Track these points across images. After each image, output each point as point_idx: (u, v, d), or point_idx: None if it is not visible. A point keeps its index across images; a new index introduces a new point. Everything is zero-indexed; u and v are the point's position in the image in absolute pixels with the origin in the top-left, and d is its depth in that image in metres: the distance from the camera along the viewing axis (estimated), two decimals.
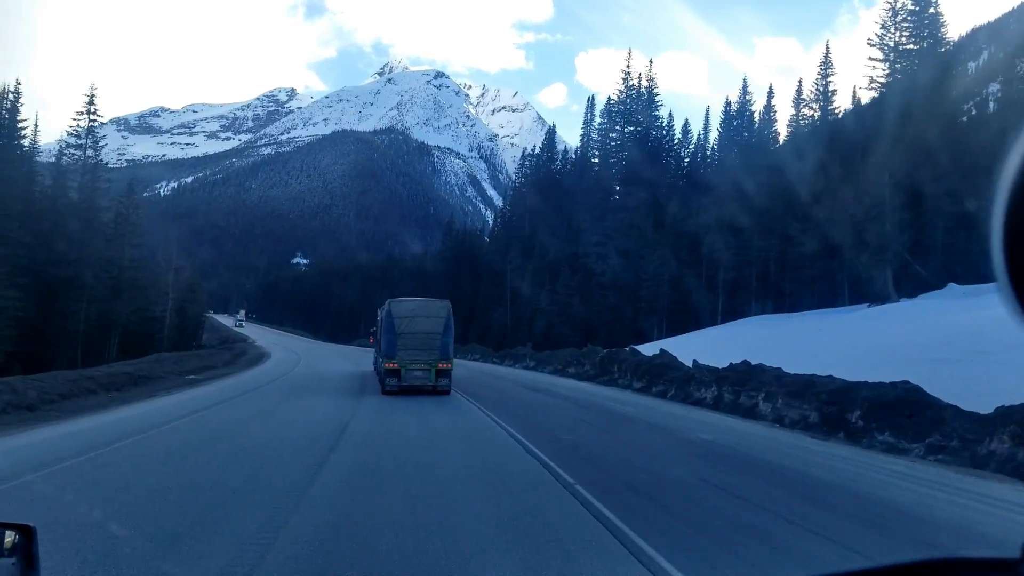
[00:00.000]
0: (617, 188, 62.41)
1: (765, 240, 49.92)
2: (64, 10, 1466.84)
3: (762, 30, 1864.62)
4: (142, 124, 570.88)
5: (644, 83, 66.31)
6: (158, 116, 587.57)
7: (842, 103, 60.85)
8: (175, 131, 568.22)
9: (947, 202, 38.26)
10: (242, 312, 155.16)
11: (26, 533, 1.93)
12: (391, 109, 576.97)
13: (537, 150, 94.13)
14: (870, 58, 47.69)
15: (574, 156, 75.78)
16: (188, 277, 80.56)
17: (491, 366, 47.43)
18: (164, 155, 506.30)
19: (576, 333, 56.09)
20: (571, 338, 56.34)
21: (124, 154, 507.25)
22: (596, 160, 70.01)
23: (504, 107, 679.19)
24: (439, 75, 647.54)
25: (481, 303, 77.19)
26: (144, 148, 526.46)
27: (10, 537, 1.92)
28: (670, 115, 66.47)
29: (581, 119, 76.19)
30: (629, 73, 65.08)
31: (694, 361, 26.43)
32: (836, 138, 48.50)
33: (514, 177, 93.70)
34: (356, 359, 48.07)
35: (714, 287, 51.30)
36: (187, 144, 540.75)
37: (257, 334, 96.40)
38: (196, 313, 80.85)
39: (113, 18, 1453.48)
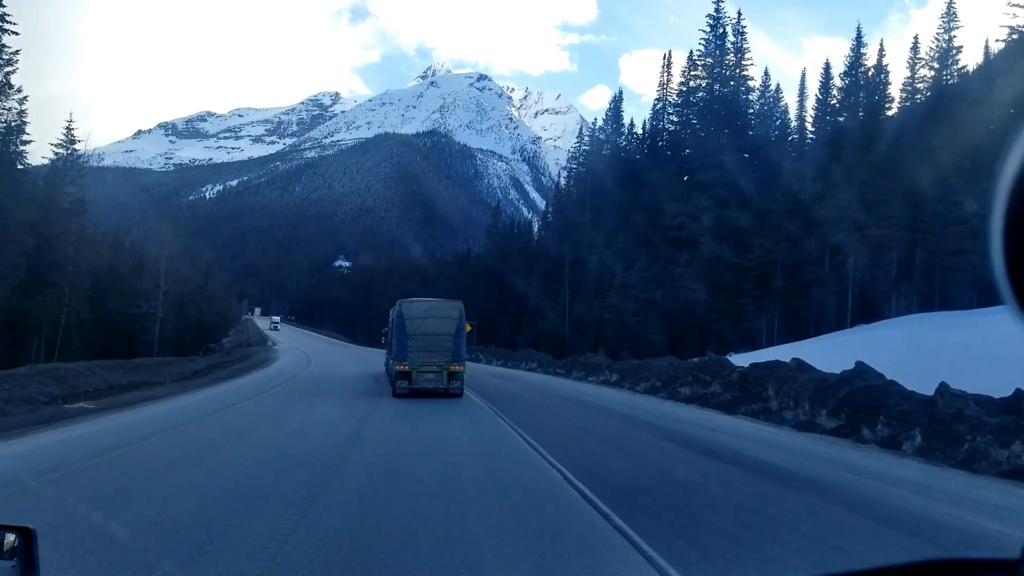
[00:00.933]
0: (704, 160, 50.44)
1: (912, 217, 37.77)
2: (112, 17, 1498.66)
3: (809, 31, 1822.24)
4: (189, 128, 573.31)
5: (731, 37, 54.58)
6: (205, 121, 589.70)
7: (968, 60, 49.25)
8: (221, 135, 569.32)
9: None
10: (277, 316, 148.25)
11: (26, 535, 1.90)
12: (434, 112, 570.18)
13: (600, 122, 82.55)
14: (1009, 3, 37.91)
15: (644, 131, 64.24)
16: (202, 270, 71.01)
17: (558, 381, 36.18)
18: (210, 159, 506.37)
19: (658, 336, 44.84)
20: (652, 342, 44.92)
21: (171, 158, 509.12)
22: (674, 127, 58.06)
23: (547, 110, 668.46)
24: (482, 78, 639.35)
25: (533, 303, 66.34)
26: (191, 152, 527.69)
27: (10, 539, 1.89)
28: (765, 75, 54.54)
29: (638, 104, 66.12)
30: (719, 18, 53.15)
31: (941, 387, 14.86)
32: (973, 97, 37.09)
33: (567, 160, 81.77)
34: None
35: (841, 279, 39.26)
36: (233, 148, 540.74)
37: (289, 337, 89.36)
38: (210, 312, 71.15)
39: (162, 25, 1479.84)
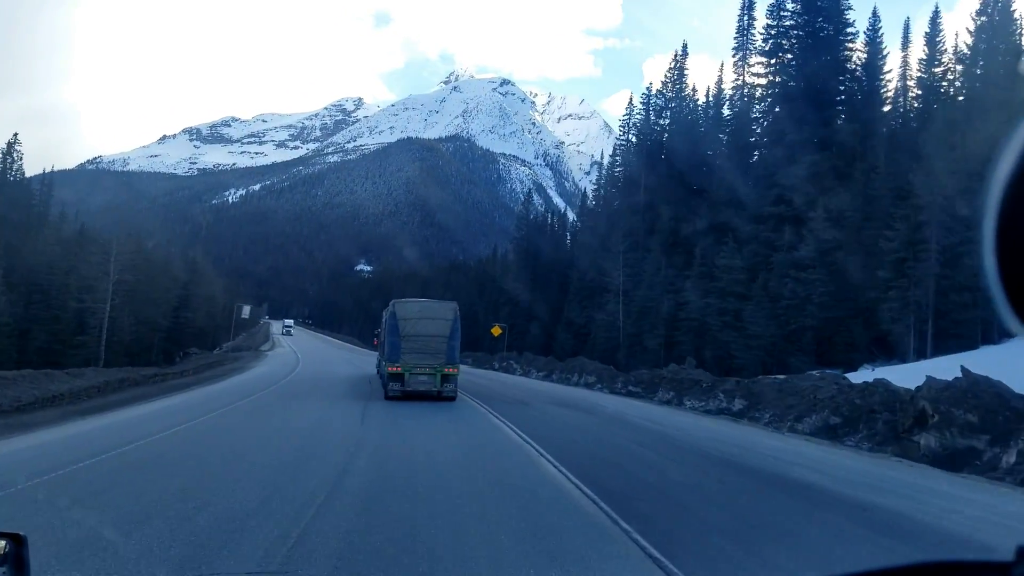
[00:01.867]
0: (803, 118, 38.74)
1: None
2: (139, 25, 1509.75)
3: None
4: (213, 134, 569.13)
5: None
6: (229, 126, 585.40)
7: None
8: (245, 140, 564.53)
9: None
10: (290, 320, 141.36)
11: (17, 541, 1.88)
12: (456, 117, 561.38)
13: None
14: None
15: (709, 98, 52.54)
16: (189, 265, 60.68)
17: (648, 409, 24.50)
18: (234, 164, 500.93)
19: (747, 345, 33.60)
20: (738, 353, 33.66)
21: (195, 163, 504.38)
22: (761, 87, 45.89)
23: (570, 115, 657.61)
24: (505, 82, 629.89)
25: (573, 305, 55.54)
26: (215, 157, 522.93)
27: (0, 545, 1.87)
28: (874, 15, 42.25)
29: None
30: None
31: None
32: None
33: (617, 136, 70.08)
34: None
35: None
36: (256, 153, 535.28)
37: (299, 341, 79.68)
38: (200, 312, 60.75)
39: (187, 32, 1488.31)
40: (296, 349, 59.03)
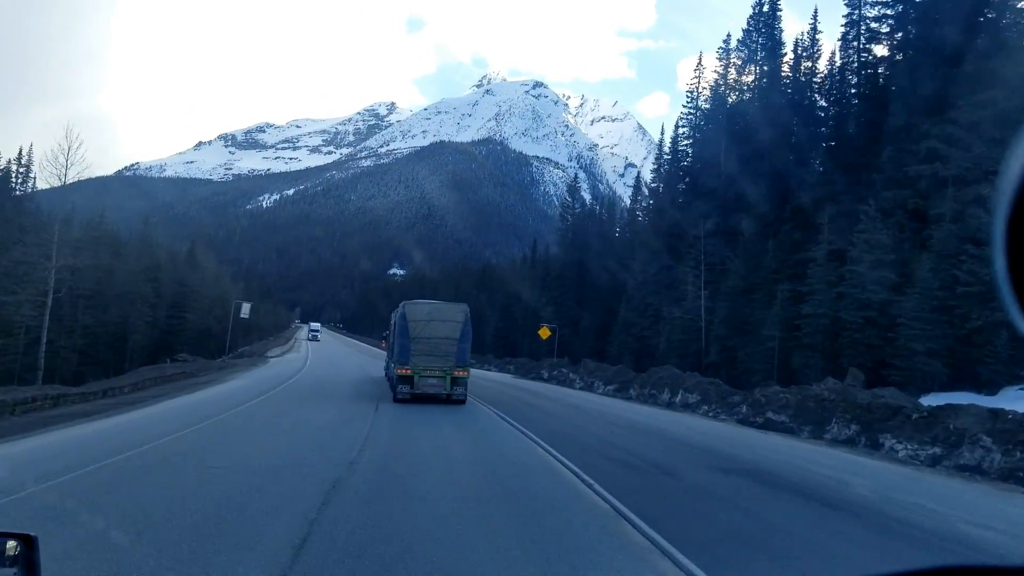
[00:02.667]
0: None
1: None
2: (174, 32, 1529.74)
3: None
4: (248, 139, 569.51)
5: None
6: (263, 132, 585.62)
7: None
8: (279, 146, 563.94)
9: None
10: (316, 324, 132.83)
11: (28, 542, 1.88)
12: (489, 120, 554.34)
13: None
14: None
15: (801, 51, 42.18)
16: (183, 258, 52.17)
17: (808, 449, 14.69)
18: (268, 169, 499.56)
19: (906, 350, 23.85)
20: (894, 360, 23.88)
21: (231, 168, 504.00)
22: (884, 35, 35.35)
23: (603, 117, 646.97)
24: (537, 85, 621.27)
25: (632, 303, 46.04)
26: (250, 163, 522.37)
27: (11, 546, 1.87)
28: None
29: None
30: None
31: None
32: None
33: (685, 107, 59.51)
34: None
35: None
36: (290, 158, 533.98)
37: (323, 347, 71.60)
38: (198, 311, 52.31)
39: (223, 39, 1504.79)
40: (309, 355, 51.45)
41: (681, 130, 52.71)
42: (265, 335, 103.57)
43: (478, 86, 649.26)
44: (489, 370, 55.55)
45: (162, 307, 55.84)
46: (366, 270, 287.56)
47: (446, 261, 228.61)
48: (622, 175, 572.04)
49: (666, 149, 56.29)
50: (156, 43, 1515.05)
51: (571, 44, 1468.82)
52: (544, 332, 46.00)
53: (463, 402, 21.87)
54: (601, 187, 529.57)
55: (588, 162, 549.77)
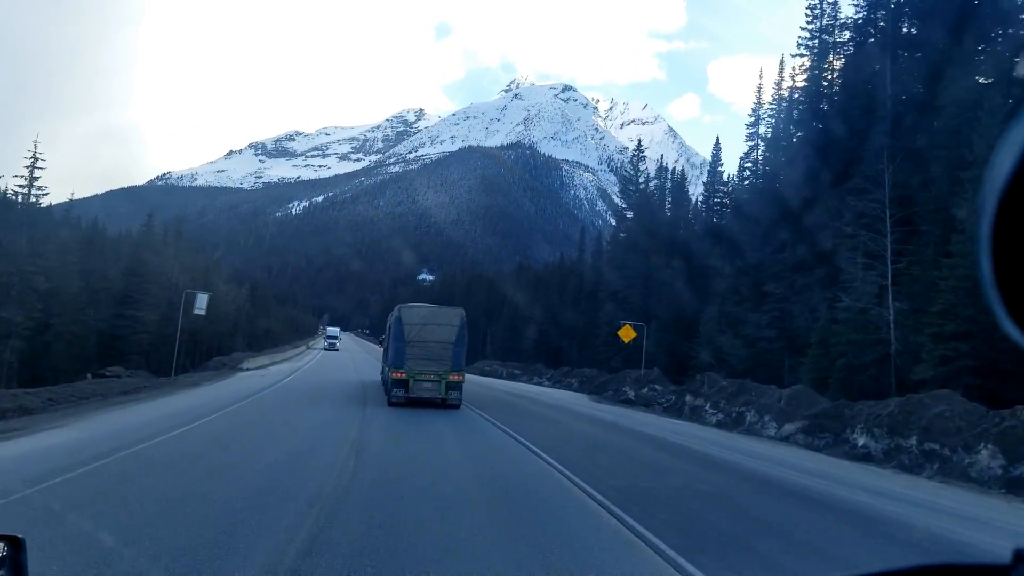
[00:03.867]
0: None
1: None
2: (204, 43, 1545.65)
3: None
4: (278, 148, 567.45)
5: None
6: (293, 140, 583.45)
7: None
8: (309, 154, 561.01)
9: None
10: (335, 328, 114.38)
11: (15, 544, 1.85)
12: (518, 124, 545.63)
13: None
14: None
15: None
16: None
17: None
18: (298, 177, 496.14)
19: None
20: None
21: (261, 177, 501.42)
22: None
23: (633, 120, 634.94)
24: (566, 88, 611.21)
25: (743, 292, 35.76)
26: (279, 171, 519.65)
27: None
28: None
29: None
30: None
31: None
32: None
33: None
34: None
35: None
36: (320, 166, 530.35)
37: (333, 356, 62.17)
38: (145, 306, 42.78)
39: (252, 48, 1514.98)
40: (305, 366, 43.13)
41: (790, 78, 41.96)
42: (281, 342, 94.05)
43: (506, 91, 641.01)
44: (542, 384, 45.93)
45: (105, 305, 46.34)
46: (395, 276, 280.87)
47: (476, 265, 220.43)
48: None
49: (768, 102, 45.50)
50: (186, 54, 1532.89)
51: (600, 47, 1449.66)
52: (627, 332, 35.24)
53: (457, 407, 21.83)
54: (632, 190, 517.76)
55: (619, 165, 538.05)
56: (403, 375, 21.43)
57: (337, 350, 77.94)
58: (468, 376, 23.36)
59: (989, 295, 0.89)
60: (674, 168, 67.18)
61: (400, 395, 21.46)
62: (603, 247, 68.96)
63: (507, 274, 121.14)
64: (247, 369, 33.85)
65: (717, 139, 53.22)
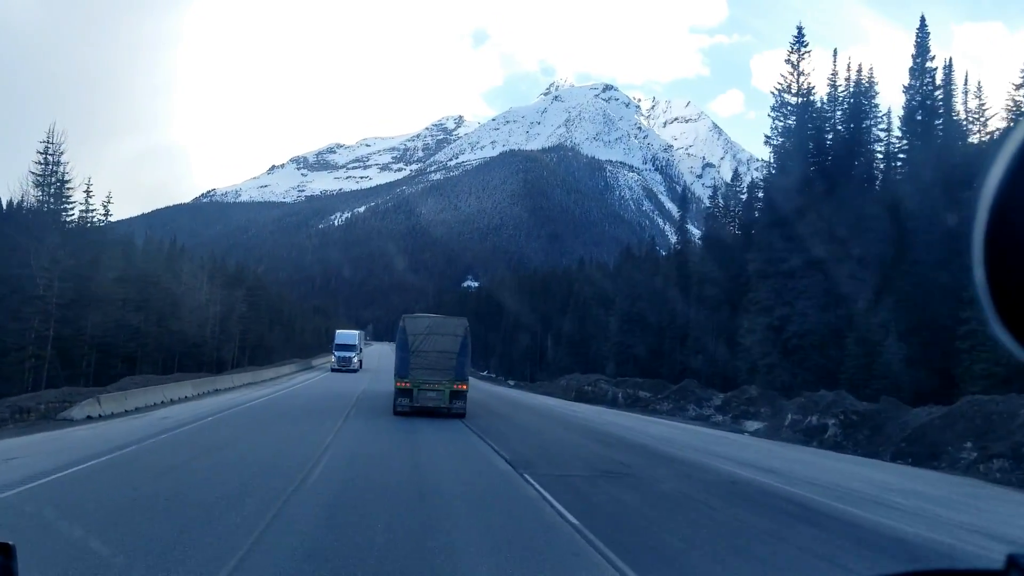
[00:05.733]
0: None
1: None
2: (244, 59, 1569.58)
3: (960, 16, 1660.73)
4: (319, 161, 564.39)
5: None
6: (334, 152, 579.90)
7: None
8: (350, 165, 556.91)
9: None
10: (353, 332, 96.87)
11: (5, 551, 1.80)
12: (559, 127, 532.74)
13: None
14: None
15: None
16: None
17: None
18: (340, 188, 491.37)
19: None
20: None
21: (303, 190, 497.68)
22: None
23: (676, 118, 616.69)
24: (607, 88, 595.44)
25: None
26: (321, 183, 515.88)
27: None
28: None
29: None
30: None
31: None
32: None
33: None
34: None
35: None
36: (361, 177, 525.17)
37: (363, 377, 49.82)
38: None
39: (289, 63, 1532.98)
40: (283, 390, 33.89)
41: None
42: (313, 352, 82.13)
43: (546, 93, 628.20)
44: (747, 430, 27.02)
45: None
46: (439, 284, 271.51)
47: (521, 271, 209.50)
48: (700, 176, 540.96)
49: None
50: (225, 72, 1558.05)
51: (640, 44, 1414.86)
52: None
53: (463, 415, 21.98)
54: (679, 189, 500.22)
55: (664, 164, 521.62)
56: (407, 385, 21.72)
57: (355, 370, 53.20)
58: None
59: (983, 303, 0.89)
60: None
61: (405, 404, 21.81)
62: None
63: (557, 275, 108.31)
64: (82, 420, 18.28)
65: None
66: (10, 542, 1.69)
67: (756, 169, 46.68)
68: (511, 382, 71.62)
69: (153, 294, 41.89)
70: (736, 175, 47.50)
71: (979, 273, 0.88)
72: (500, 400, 37.34)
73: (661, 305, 47.40)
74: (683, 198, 53.91)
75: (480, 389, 46.94)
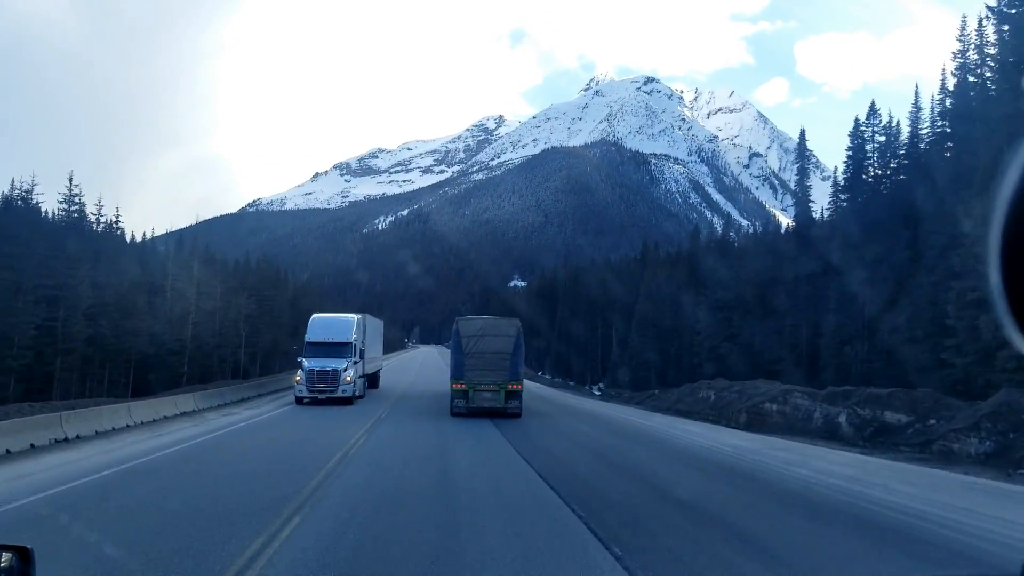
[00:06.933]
0: None
1: None
2: (284, 70, 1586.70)
3: None
4: (362, 166, 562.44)
5: None
6: (376, 157, 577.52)
7: None
8: (392, 170, 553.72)
9: None
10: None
11: (23, 555, 1.82)
12: (600, 121, 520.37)
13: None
14: None
15: None
16: None
17: None
18: (383, 193, 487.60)
19: None
20: None
21: (347, 196, 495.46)
22: None
23: (720, 109, 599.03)
24: (649, 80, 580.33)
25: None
26: (364, 189, 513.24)
27: (7, 559, 1.81)
28: None
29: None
30: None
31: None
32: None
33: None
34: None
35: None
36: (404, 181, 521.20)
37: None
38: None
39: (330, 69, 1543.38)
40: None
41: None
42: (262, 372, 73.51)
43: (586, 89, 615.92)
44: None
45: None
46: (485, 284, 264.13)
47: (569, 267, 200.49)
48: (747, 166, 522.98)
49: None
50: (267, 83, 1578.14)
51: (681, 35, 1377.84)
52: None
53: (518, 415, 21.96)
54: (727, 180, 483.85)
55: (709, 155, 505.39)
56: (463, 386, 21.93)
57: (349, 398, 27.67)
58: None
59: (997, 306, 0.86)
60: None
61: (461, 406, 21.96)
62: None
63: (619, 265, 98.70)
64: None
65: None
66: (28, 546, 1.64)
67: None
68: (596, 389, 58.30)
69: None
70: (873, 109, 36.94)
71: (995, 278, 0.86)
72: (623, 434, 22.82)
73: (777, 288, 37.50)
74: (801, 171, 43.09)
75: (555, 403, 36.38)
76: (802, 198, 42.24)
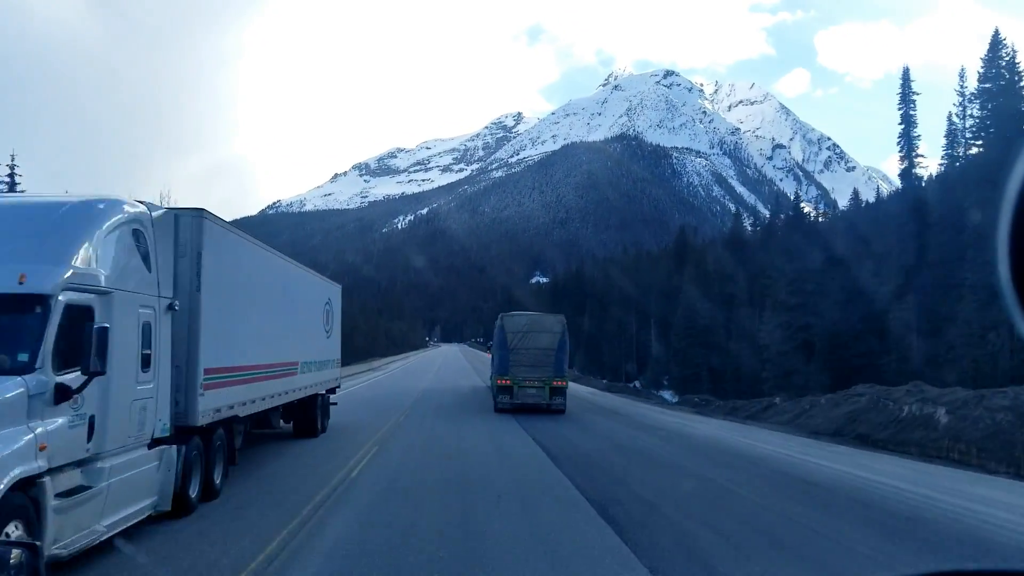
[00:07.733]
0: None
1: None
2: (303, 71, 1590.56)
3: None
4: (381, 166, 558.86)
5: None
6: (395, 157, 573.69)
7: None
8: (411, 169, 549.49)
9: None
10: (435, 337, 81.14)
11: (32, 551, 1.88)
12: (620, 116, 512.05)
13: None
14: None
15: None
16: None
17: None
18: (402, 192, 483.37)
19: None
20: None
21: (366, 197, 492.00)
22: None
23: (741, 101, 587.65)
24: (668, 74, 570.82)
25: None
26: (384, 188, 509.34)
27: (16, 555, 1.83)
28: None
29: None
30: None
31: None
32: None
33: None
34: None
35: None
36: (423, 180, 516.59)
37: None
38: None
39: (349, 70, 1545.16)
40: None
41: None
42: (361, 356, 68.26)
43: (605, 84, 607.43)
44: None
45: None
46: (506, 281, 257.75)
47: (591, 261, 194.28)
48: (770, 158, 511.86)
49: None
50: (286, 85, 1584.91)
51: (700, 27, 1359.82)
52: None
53: (562, 411, 21.86)
54: (750, 172, 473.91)
55: (732, 147, 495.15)
56: (508, 382, 21.79)
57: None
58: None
59: (1007, 299, 0.86)
60: None
61: (505, 401, 21.78)
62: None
63: (656, 254, 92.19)
64: None
65: None
66: (37, 542, 1.59)
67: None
68: (668, 395, 45.78)
69: None
70: (997, 39, 29.82)
71: (1004, 269, 0.86)
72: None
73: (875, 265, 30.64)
74: (905, 119, 35.54)
75: (631, 419, 23.48)
76: (908, 153, 34.63)
